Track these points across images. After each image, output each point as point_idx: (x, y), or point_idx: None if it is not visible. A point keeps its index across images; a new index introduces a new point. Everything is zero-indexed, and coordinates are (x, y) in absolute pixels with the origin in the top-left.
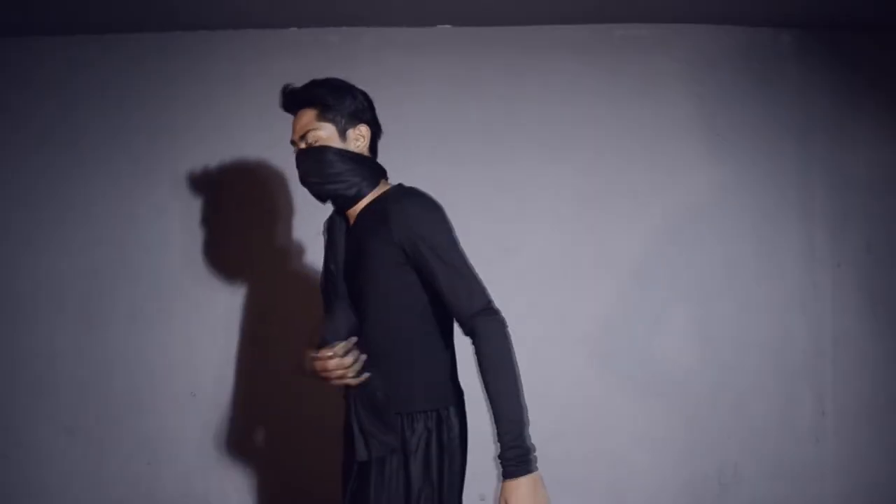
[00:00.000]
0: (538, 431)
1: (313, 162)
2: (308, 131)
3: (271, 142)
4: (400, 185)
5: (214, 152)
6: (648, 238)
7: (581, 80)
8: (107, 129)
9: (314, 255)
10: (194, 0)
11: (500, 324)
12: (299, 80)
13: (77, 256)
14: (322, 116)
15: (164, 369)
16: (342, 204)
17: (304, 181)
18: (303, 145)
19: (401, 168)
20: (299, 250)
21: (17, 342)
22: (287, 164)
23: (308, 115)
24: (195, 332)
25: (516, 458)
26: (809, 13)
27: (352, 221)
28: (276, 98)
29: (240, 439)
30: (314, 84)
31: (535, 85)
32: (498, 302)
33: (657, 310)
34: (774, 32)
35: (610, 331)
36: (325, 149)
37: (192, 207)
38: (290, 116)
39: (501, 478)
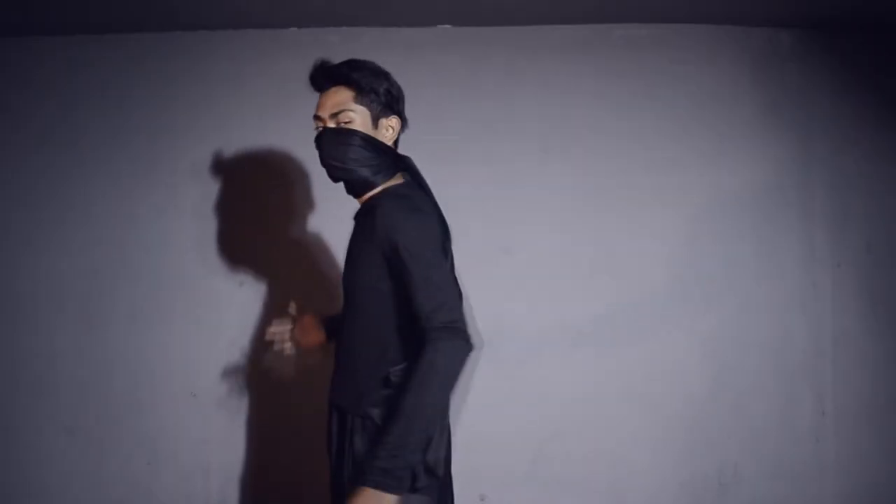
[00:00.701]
0: (538, 431)
1: (339, 144)
2: (342, 111)
3: (271, 141)
4: (399, 186)
5: (214, 152)
6: (648, 238)
7: (581, 81)
8: (107, 129)
9: (314, 255)
10: (194, 0)
11: (454, 348)
12: (299, 80)
13: (77, 256)
14: (359, 99)
15: (164, 369)
16: (353, 189)
17: (324, 161)
18: (332, 124)
19: None
20: (300, 250)
21: (17, 342)
22: (287, 165)
23: (344, 94)
24: (195, 332)
25: (379, 469)
26: (809, 13)
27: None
28: (276, 98)
29: (240, 439)
30: (355, 64)
31: (534, 85)
32: (498, 302)
33: (657, 310)
34: (774, 32)
35: (609, 331)
36: (354, 133)
37: (192, 207)
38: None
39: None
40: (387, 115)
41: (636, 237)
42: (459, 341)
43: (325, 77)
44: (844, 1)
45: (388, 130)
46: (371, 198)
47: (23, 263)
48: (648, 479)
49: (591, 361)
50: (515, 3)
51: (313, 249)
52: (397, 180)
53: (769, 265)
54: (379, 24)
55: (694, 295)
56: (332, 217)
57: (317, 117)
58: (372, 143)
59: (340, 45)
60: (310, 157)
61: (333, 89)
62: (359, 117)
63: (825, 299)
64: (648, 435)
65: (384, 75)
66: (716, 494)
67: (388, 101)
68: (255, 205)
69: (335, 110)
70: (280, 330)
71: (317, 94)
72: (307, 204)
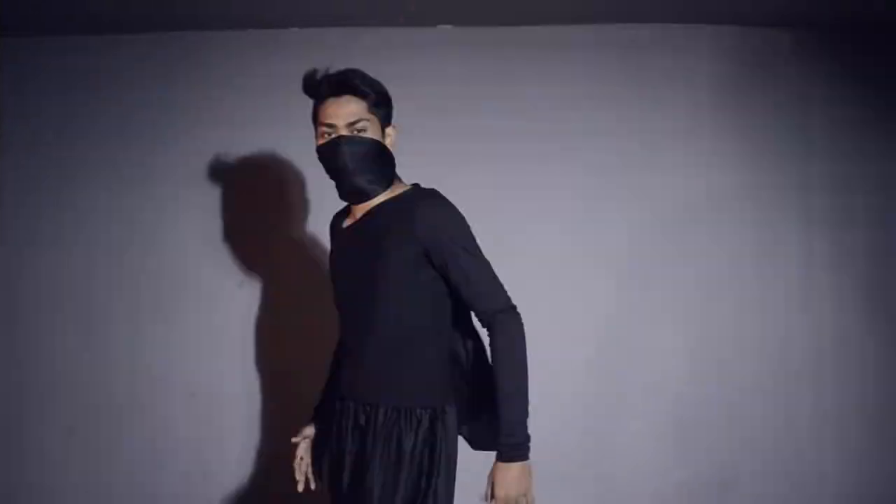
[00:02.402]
0: (538, 432)
1: (363, 154)
2: (359, 120)
3: (272, 142)
4: (420, 187)
5: (214, 153)
6: (648, 239)
7: (580, 81)
8: (107, 130)
9: (313, 256)
10: (195, 0)
11: (520, 323)
12: (299, 81)
13: (78, 257)
14: (373, 110)
15: (164, 369)
16: (358, 199)
17: (344, 170)
18: (345, 132)
19: (399, 168)
20: (299, 251)
21: (17, 342)
22: (287, 165)
23: (358, 105)
24: (195, 332)
25: (512, 445)
26: (809, 13)
27: (355, 218)
28: (276, 98)
29: (240, 439)
30: (364, 74)
31: (534, 85)
32: None
33: (657, 311)
34: (774, 33)
35: (610, 332)
36: (377, 142)
37: (192, 208)
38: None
39: (495, 459)
40: (388, 124)
41: (636, 237)
42: (520, 317)
43: (341, 85)
44: (844, 1)
45: (388, 138)
46: (388, 200)
47: (24, 264)
48: (648, 483)
49: (588, 362)
50: (515, 3)
51: (312, 249)
52: (403, 184)
53: (768, 266)
54: (379, 24)
55: (693, 296)
56: (332, 216)
57: (329, 125)
58: (388, 152)
59: (340, 45)
60: (310, 158)
61: (346, 97)
62: (371, 127)
63: (824, 300)
64: (647, 437)
65: (383, 85)
66: (715, 497)
67: (390, 111)
68: (254, 205)
69: (352, 119)
70: (304, 469)
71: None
72: (306, 204)
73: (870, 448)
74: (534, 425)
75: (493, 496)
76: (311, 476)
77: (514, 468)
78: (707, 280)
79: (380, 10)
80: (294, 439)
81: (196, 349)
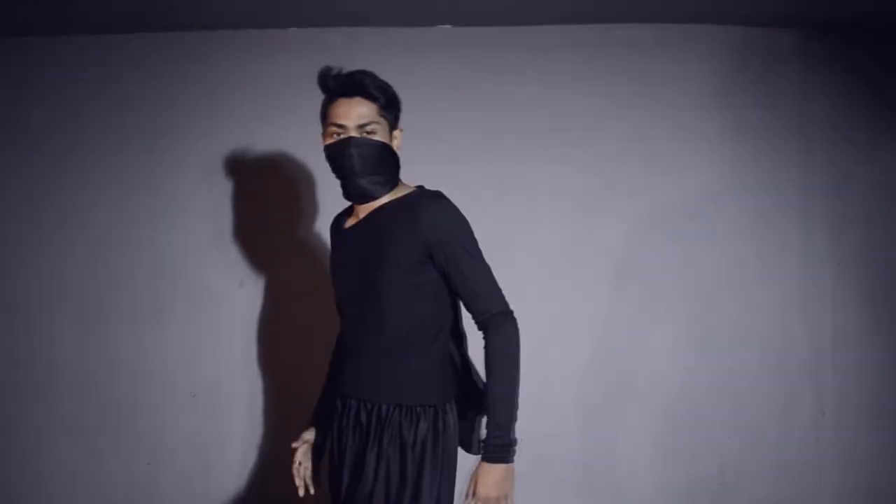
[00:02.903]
0: (538, 431)
1: (372, 156)
2: (370, 122)
3: (272, 142)
4: (425, 188)
5: (214, 153)
6: (648, 238)
7: (580, 81)
8: (107, 130)
9: (313, 257)
10: (194, 0)
11: (516, 328)
12: (299, 81)
13: (78, 256)
14: (382, 112)
15: (164, 369)
16: (364, 200)
17: (352, 170)
18: (355, 134)
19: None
20: (299, 250)
21: (17, 343)
22: (287, 165)
23: (369, 107)
24: (195, 332)
25: (498, 446)
26: (810, 13)
27: (358, 218)
28: (276, 98)
29: (240, 439)
30: (375, 77)
31: (534, 85)
32: None
33: (657, 310)
34: (775, 32)
35: (609, 331)
36: (385, 145)
37: (192, 208)
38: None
39: (480, 459)
40: (396, 127)
41: (636, 237)
42: (516, 322)
43: (352, 87)
44: (845, 1)
45: (395, 140)
46: (392, 201)
47: (23, 264)
48: (649, 480)
49: (590, 361)
50: (515, 3)
51: (313, 249)
52: (407, 186)
53: (769, 265)
54: (379, 24)
55: (694, 295)
56: (332, 216)
57: (339, 125)
58: (394, 155)
59: (340, 45)
60: (309, 158)
61: (357, 99)
62: (380, 130)
63: (825, 299)
64: (649, 435)
65: (392, 88)
66: (716, 494)
67: (398, 114)
68: (254, 205)
69: (362, 121)
70: (302, 473)
71: (321, 96)
72: (307, 203)
73: (870, 447)
74: (533, 424)
75: (474, 495)
76: (309, 481)
77: (498, 470)
78: (707, 280)
79: (380, 10)
80: (293, 444)
81: (196, 349)
